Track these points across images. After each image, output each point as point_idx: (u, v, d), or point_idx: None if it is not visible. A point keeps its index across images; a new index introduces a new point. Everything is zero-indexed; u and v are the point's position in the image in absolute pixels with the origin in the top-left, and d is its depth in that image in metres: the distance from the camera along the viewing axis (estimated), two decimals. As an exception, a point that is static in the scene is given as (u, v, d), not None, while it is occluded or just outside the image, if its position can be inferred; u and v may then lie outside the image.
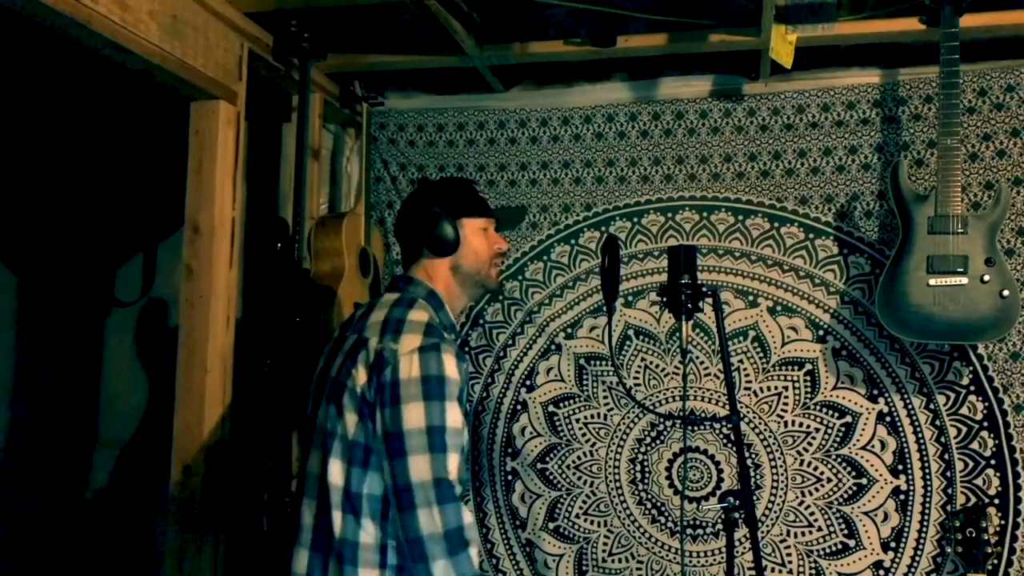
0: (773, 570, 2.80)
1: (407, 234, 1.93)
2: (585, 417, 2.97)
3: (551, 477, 2.99)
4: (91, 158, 3.36)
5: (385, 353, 1.69)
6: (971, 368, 2.69)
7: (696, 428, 2.88)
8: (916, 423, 2.72)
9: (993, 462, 2.67)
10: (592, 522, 2.95)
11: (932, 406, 2.72)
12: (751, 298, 2.87)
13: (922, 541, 2.70)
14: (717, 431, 2.88)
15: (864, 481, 2.75)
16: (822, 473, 2.78)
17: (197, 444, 2.46)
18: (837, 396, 2.78)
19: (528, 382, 3.03)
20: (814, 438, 2.79)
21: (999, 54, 2.71)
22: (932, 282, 2.43)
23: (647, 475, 2.92)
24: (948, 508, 2.68)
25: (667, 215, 2.96)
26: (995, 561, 2.62)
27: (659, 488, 2.91)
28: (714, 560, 2.85)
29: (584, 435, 2.97)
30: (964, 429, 2.69)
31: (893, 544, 2.73)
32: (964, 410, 2.69)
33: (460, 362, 1.72)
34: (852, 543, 2.75)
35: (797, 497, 2.79)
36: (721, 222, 2.91)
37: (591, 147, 3.03)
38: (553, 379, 3.00)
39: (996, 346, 2.66)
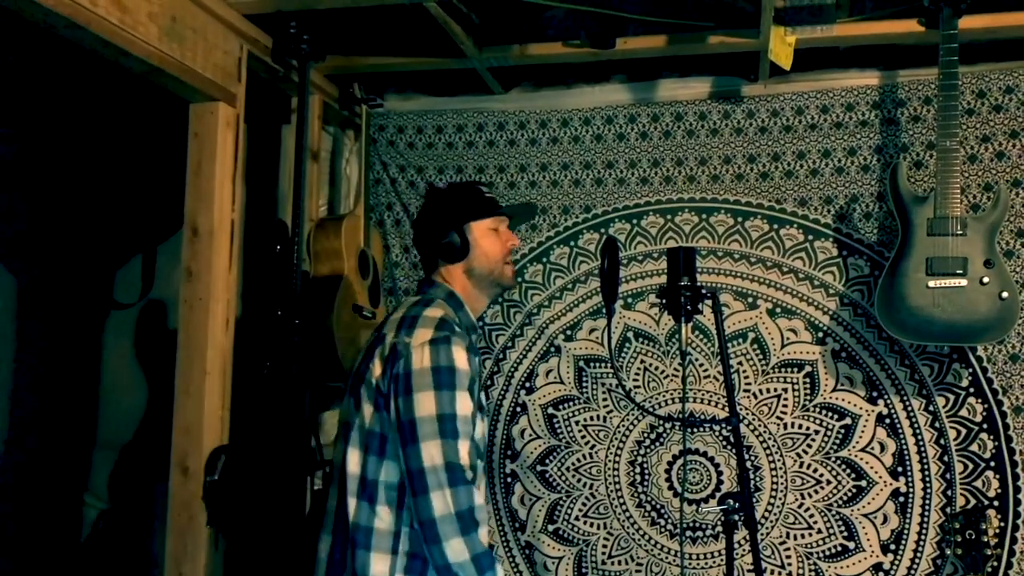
0: (773, 572, 2.79)
1: (421, 244, 2.05)
2: (585, 419, 2.97)
3: (550, 479, 2.99)
4: (90, 160, 3.36)
5: (399, 346, 1.80)
6: (970, 370, 2.69)
7: (696, 430, 2.88)
8: (916, 425, 2.72)
9: (993, 464, 2.66)
10: (591, 524, 2.94)
11: (932, 408, 2.71)
12: (750, 300, 2.87)
13: (922, 543, 2.70)
14: (717, 433, 2.88)
15: (864, 483, 2.75)
16: (821, 475, 2.78)
17: (196, 446, 2.46)
18: (836, 398, 2.78)
19: (527, 384, 3.02)
20: (813, 440, 2.79)
21: (998, 56, 2.71)
22: (931, 284, 2.43)
23: (647, 477, 2.92)
24: (948, 510, 2.68)
25: (666, 217, 2.96)
26: (995, 563, 2.61)
27: (659, 490, 2.91)
28: (714, 562, 2.85)
29: (584, 437, 2.97)
30: (964, 431, 2.69)
31: (893, 546, 2.72)
32: (964, 412, 2.69)
33: (471, 355, 1.82)
34: (852, 545, 2.75)
35: (797, 499, 2.79)
36: (720, 224, 2.91)
37: (590, 149, 3.03)
38: (552, 381, 3.00)
39: (995, 348, 2.66)
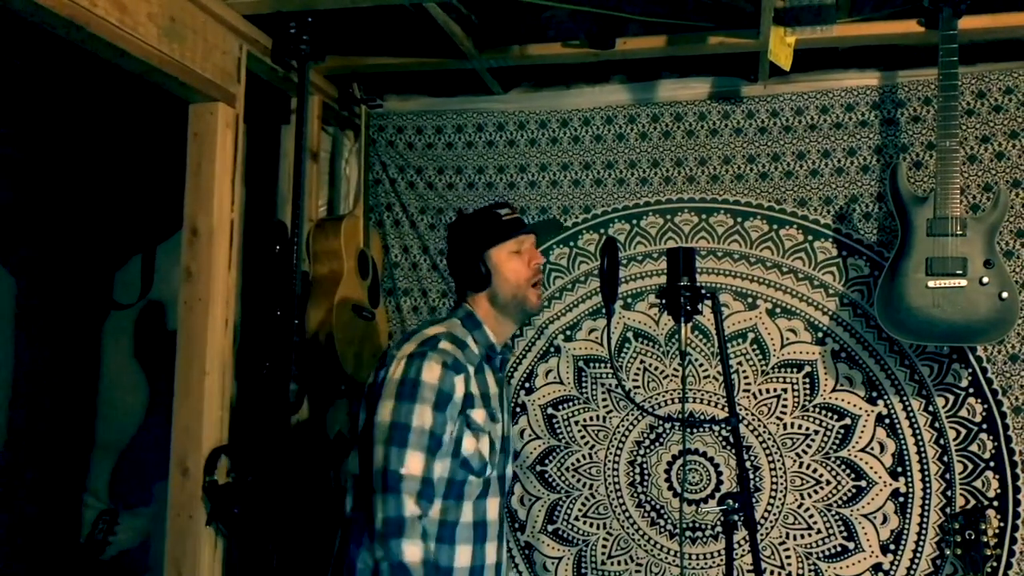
0: (772, 573, 2.79)
1: (452, 274, 2.15)
2: (584, 419, 2.97)
3: (550, 480, 2.98)
4: (90, 160, 3.36)
5: (388, 356, 1.96)
6: (970, 370, 2.69)
7: (695, 430, 2.88)
8: (915, 425, 2.72)
9: (992, 464, 2.66)
10: (591, 525, 2.94)
11: (931, 408, 2.71)
12: (750, 300, 2.87)
13: (921, 543, 2.70)
14: (716, 433, 2.88)
15: (863, 483, 2.75)
16: (821, 475, 2.78)
17: (196, 446, 2.46)
18: (836, 398, 2.78)
19: (527, 384, 3.02)
20: (813, 440, 2.79)
21: (997, 56, 2.71)
22: (931, 284, 2.43)
23: (646, 477, 2.92)
24: (947, 510, 2.68)
25: (666, 217, 2.96)
26: (994, 564, 2.61)
27: (658, 490, 2.91)
28: (713, 563, 2.85)
29: (583, 437, 2.97)
30: (963, 431, 2.69)
31: (892, 546, 2.72)
32: (963, 412, 2.69)
33: (451, 371, 1.89)
34: (851, 545, 2.75)
35: (796, 499, 2.79)
36: (720, 224, 2.91)
37: (590, 149, 3.03)
38: (552, 381, 3.00)
39: (995, 348, 2.66)
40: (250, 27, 2.62)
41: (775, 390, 2.83)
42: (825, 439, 2.78)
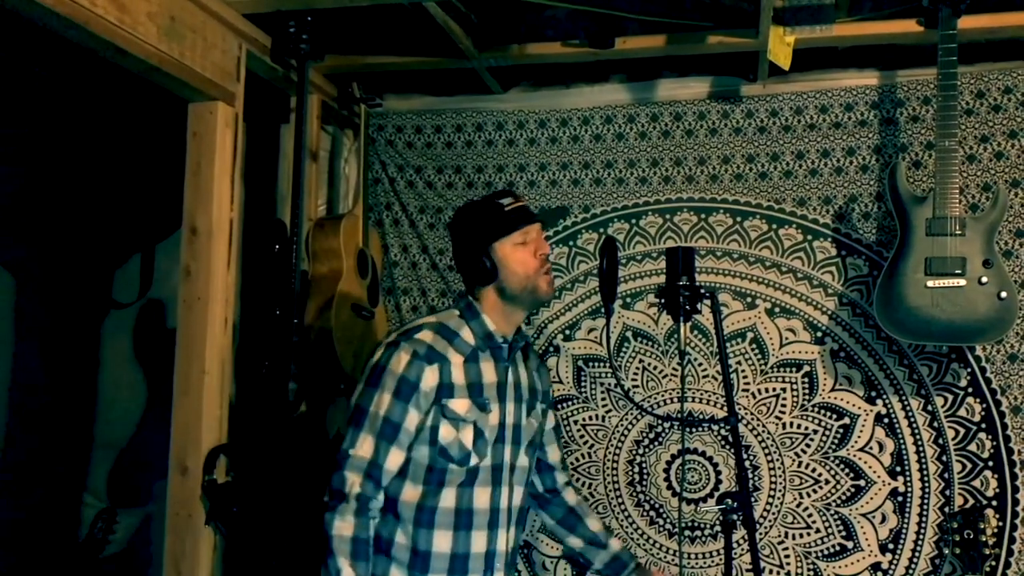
0: (771, 572, 2.80)
1: (458, 268, 2.13)
2: (583, 419, 2.97)
3: (549, 479, 2.98)
4: (89, 159, 3.36)
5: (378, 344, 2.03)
6: (969, 370, 2.69)
7: (694, 430, 2.88)
8: (914, 425, 2.72)
9: (991, 464, 2.67)
10: (590, 524, 2.94)
11: (930, 407, 2.72)
12: (749, 300, 2.87)
13: (920, 543, 2.70)
14: (715, 433, 2.88)
15: (862, 483, 2.75)
16: (820, 475, 2.78)
17: (195, 445, 2.46)
18: (835, 398, 2.78)
19: (526, 384, 3.02)
20: (812, 440, 2.79)
21: (997, 56, 2.72)
22: (930, 284, 2.43)
23: (645, 477, 2.92)
24: (946, 510, 2.68)
25: (665, 217, 2.96)
26: (993, 563, 2.62)
27: (657, 490, 2.91)
28: (712, 562, 2.85)
29: (582, 437, 2.97)
30: (962, 431, 2.69)
31: (891, 546, 2.73)
32: (962, 412, 2.69)
33: (421, 361, 1.92)
34: (850, 545, 2.75)
35: (795, 499, 2.79)
36: (719, 224, 2.91)
37: (589, 148, 3.03)
38: (551, 381, 3.00)
39: (994, 348, 2.66)
40: (249, 26, 2.62)
41: (774, 389, 2.83)
42: (824, 438, 2.78)
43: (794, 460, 2.80)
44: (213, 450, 2.47)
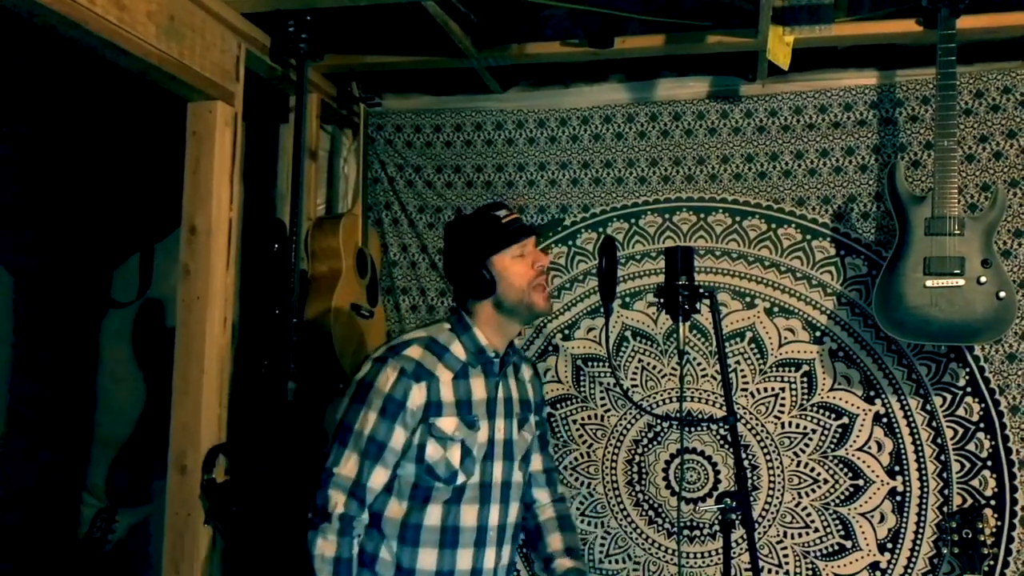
0: (770, 571, 2.80)
1: (451, 281, 2.10)
2: (582, 418, 2.97)
3: (548, 478, 2.98)
4: (88, 158, 3.36)
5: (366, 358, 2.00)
6: (968, 369, 2.69)
7: (693, 429, 2.88)
8: (913, 424, 2.73)
9: (989, 463, 2.67)
10: (589, 523, 2.95)
11: (929, 407, 2.72)
12: (748, 299, 2.87)
13: (918, 542, 2.71)
14: (714, 432, 2.88)
15: (861, 482, 2.75)
16: (819, 474, 2.78)
17: (194, 445, 2.46)
18: (834, 397, 2.79)
19: (525, 383, 3.02)
20: (811, 439, 2.79)
21: (996, 56, 2.72)
22: (929, 283, 2.44)
23: (644, 476, 2.92)
24: (945, 509, 2.69)
25: (664, 216, 2.96)
26: (991, 562, 2.62)
27: (656, 489, 2.91)
28: (711, 561, 2.85)
29: (581, 436, 2.97)
30: (961, 430, 2.69)
31: (890, 545, 2.73)
32: (961, 411, 2.69)
33: (408, 379, 1.89)
34: (849, 544, 2.75)
35: (794, 498, 2.80)
36: (718, 223, 2.91)
37: (588, 148, 3.03)
38: (550, 380, 3.00)
39: (993, 347, 2.66)
40: (249, 25, 2.62)
41: (773, 389, 2.83)
42: (823, 438, 2.78)
43: (793, 460, 2.80)
44: (212, 449, 2.47)
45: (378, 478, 1.89)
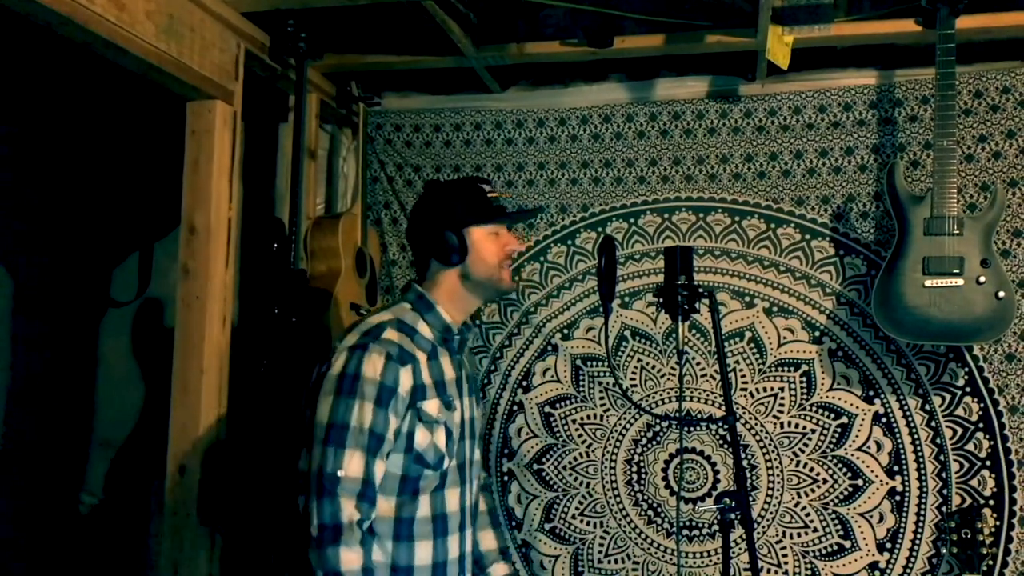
0: (769, 571, 2.80)
1: (416, 243, 1.97)
2: (581, 418, 2.97)
3: (547, 478, 2.99)
4: (87, 158, 3.36)
5: (333, 350, 1.82)
6: (967, 369, 2.69)
7: (692, 429, 2.88)
8: (912, 424, 2.73)
9: (988, 463, 2.67)
10: (588, 523, 2.95)
11: (928, 407, 2.72)
12: (747, 299, 2.87)
13: (917, 542, 2.71)
14: (713, 432, 2.88)
15: (860, 482, 2.75)
16: (818, 474, 2.78)
17: (193, 444, 2.46)
18: (833, 397, 2.79)
19: (524, 383, 3.03)
20: (810, 439, 2.79)
21: (995, 56, 2.72)
22: (928, 283, 2.44)
23: (643, 476, 2.92)
24: (943, 509, 2.69)
25: (664, 216, 2.96)
26: (990, 562, 2.62)
27: (655, 489, 2.91)
28: (710, 561, 2.85)
29: (580, 436, 2.97)
30: (959, 430, 2.70)
31: (889, 545, 2.73)
32: (960, 411, 2.70)
33: (395, 363, 1.77)
34: (848, 544, 2.75)
35: (793, 498, 2.80)
36: (718, 223, 2.91)
37: (588, 148, 3.03)
38: (549, 380, 3.00)
39: (992, 347, 2.67)
40: (248, 25, 2.62)
41: (772, 389, 2.83)
42: (822, 438, 2.78)
43: (792, 459, 2.80)
44: (211, 449, 2.47)
45: (379, 473, 1.76)
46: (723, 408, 2.83)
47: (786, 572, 2.79)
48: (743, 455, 2.82)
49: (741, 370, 2.85)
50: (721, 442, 2.87)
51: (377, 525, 1.82)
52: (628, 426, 2.94)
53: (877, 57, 2.80)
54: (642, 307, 2.95)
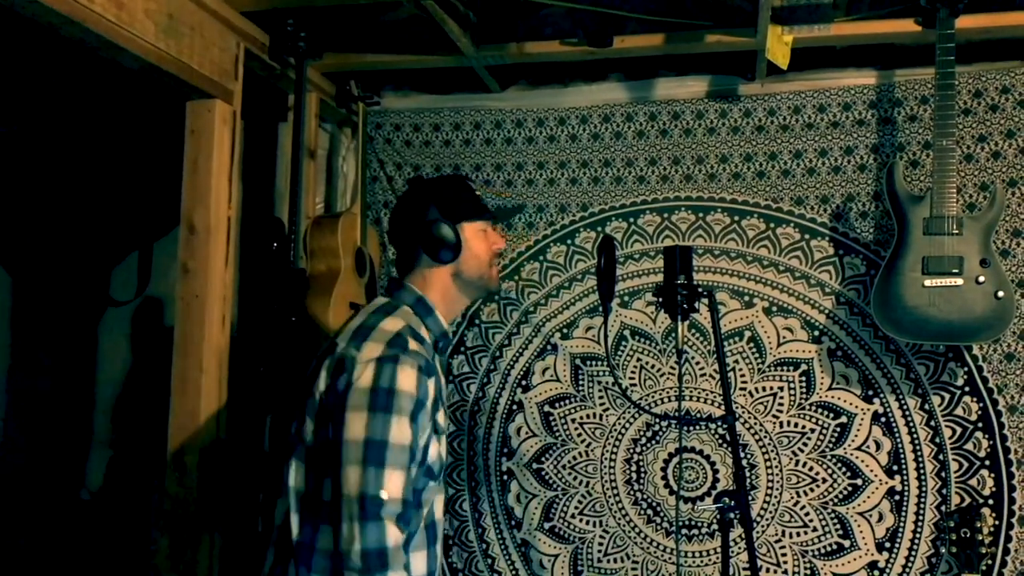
0: (768, 570, 2.80)
1: (404, 239, 1.88)
2: (581, 417, 2.97)
3: (547, 477, 2.99)
4: (87, 157, 3.36)
5: (347, 360, 1.67)
6: (966, 369, 2.69)
7: (692, 428, 2.88)
8: (911, 424, 2.73)
9: (987, 463, 2.67)
10: (587, 522, 2.95)
11: (927, 407, 2.72)
12: (747, 299, 2.87)
13: (917, 541, 2.71)
14: (713, 431, 2.88)
15: (859, 481, 2.75)
16: (817, 473, 2.78)
17: (192, 444, 2.46)
18: (832, 397, 2.79)
19: (524, 382, 3.03)
20: (809, 438, 2.80)
21: (994, 55, 2.72)
22: (927, 283, 2.44)
23: (642, 475, 2.92)
24: (943, 508, 2.69)
25: (663, 215, 2.96)
26: (989, 561, 2.62)
27: (654, 488, 2.91)
28: (709, 560, 2.85)
29: (580, 435, 2.97)
30: (959, 430, 2.70)
31: (888, 544, 2.73)
32: (959, 411, 2.70)
33: (423, 375, 1.67)
34: (847, 543, 2.76)
35: (792, 497, 2.80)
36: (717, 223, 2.91)
37: (587, 147, 3.03)
38: (549, 379, 3.00)
39: (991, 347, 2.67)
40: (248, 24, 2.62)
41: (771, 388, 2.83)
42: (821, 437, 2.79)
43: (791, 459, 2.81)
44: (211, 448, 2.47)
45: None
46: (722, 407, 2.83)
47: (785, 571, 2.79)
48: (742, 454, 2.82)
49: (740, 369, 2.85)
50: (720, 441, 2.87)
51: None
52: (627, 425, 2.94)
53: (877, 57, 2.80)
54: (641, 306, 2.95)
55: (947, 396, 2.71)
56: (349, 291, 2.82)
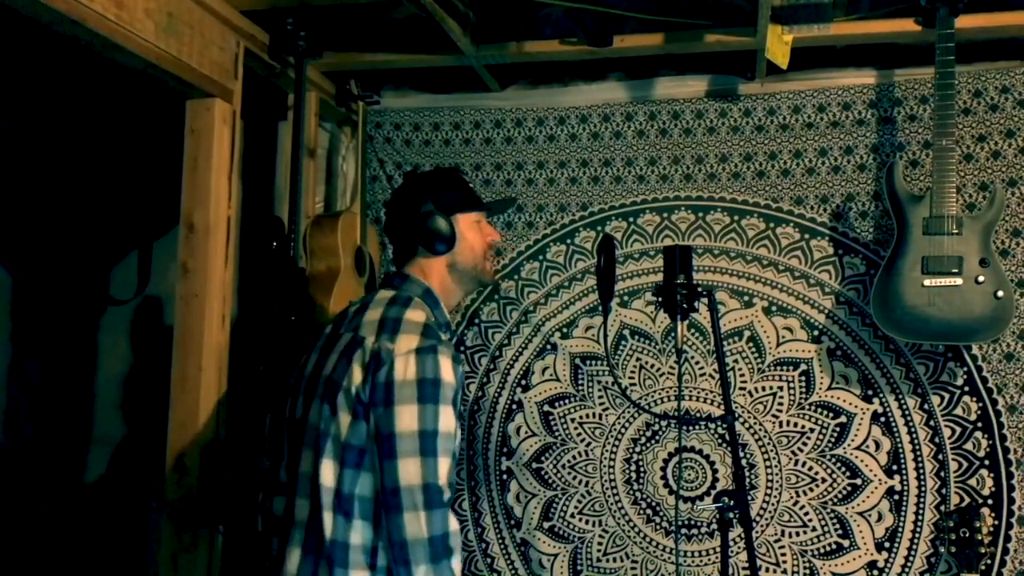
0: (768, 570, 2.80)
1: (400, 232, 1.91)
2: (580, 417, 2.97)
3: (546, 477, 2.99)
4: (86, 156, 3.36)
5: (382, 353, 1.67)
6: (965, 369, 2.69)
7: (691, 428, 2.88)
8: (910, 423, 2.73)
9: (987, 463, 2.67)
10: (587, 522, 2.95)
11: (926, 406, 2.72)
12: (746, 298, 2.87)
13: (916, 541, 2.71)
14: (712, 431, 2.88)
15: (858, 481, 2.75)
16: (817, 473, 2.78)
17: (191, 442, 2.46)
18: (832, 396, 2.79)
19: (523, 382, 3.03)
20: (809, 438, 2.80)
21: (994, 55, 2.72)
22: (927, 283, 2.44)
23: (642, 475, 2.92)
24: (942, 508, 2.69)
25: (663, 215, 2.96)
26: (988, 561, 2.62)
27: (654, 488, 2.91)
28: (709, 560, 2.85)
29: (579, 435, 2.97)
30: (958, 430, 2.70)
31: (887, 544, 2.73)
32: (958, 411, 2.70)
33: (456, 364, 1.70)
34: (846, 543, 2.76)
35: (792, 497, 2.80)
36: (717, 222, 2.91)
37: (587, 147, 3.03)
38: (548, 379, 3.00)
39: (990, 347, 2.67)
40: (247, 23, 2.62)
41: (771, 388, 2.83)
42: (821, 437, 2.79)
43: (791, 458, 2.81)
44: (210, 447, 2.47)
45: None
46: (722, 407, 2.83)
47: (785, 571, 2.79)
48: (742, 454, 2.82)
49: (740, 369, 2.85)
50: (720, 441, 2.87)
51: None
52: (627, 425, 2.94)
53: (876, 56, 2.80)
54: (641, 306, 2.95)
55: (946, 396, 2.71)
56: (349, 290, 2.82)
